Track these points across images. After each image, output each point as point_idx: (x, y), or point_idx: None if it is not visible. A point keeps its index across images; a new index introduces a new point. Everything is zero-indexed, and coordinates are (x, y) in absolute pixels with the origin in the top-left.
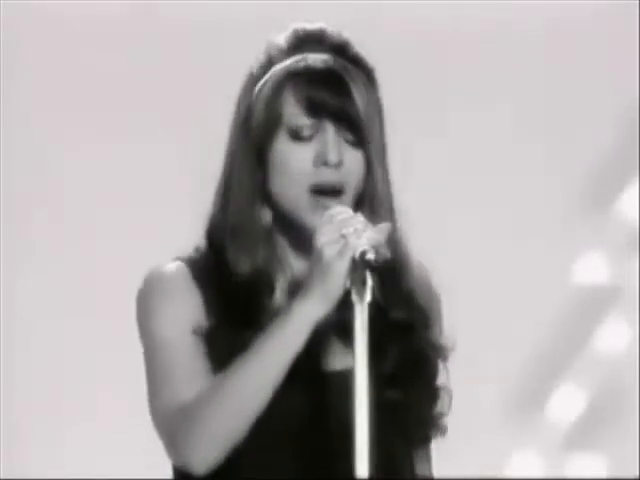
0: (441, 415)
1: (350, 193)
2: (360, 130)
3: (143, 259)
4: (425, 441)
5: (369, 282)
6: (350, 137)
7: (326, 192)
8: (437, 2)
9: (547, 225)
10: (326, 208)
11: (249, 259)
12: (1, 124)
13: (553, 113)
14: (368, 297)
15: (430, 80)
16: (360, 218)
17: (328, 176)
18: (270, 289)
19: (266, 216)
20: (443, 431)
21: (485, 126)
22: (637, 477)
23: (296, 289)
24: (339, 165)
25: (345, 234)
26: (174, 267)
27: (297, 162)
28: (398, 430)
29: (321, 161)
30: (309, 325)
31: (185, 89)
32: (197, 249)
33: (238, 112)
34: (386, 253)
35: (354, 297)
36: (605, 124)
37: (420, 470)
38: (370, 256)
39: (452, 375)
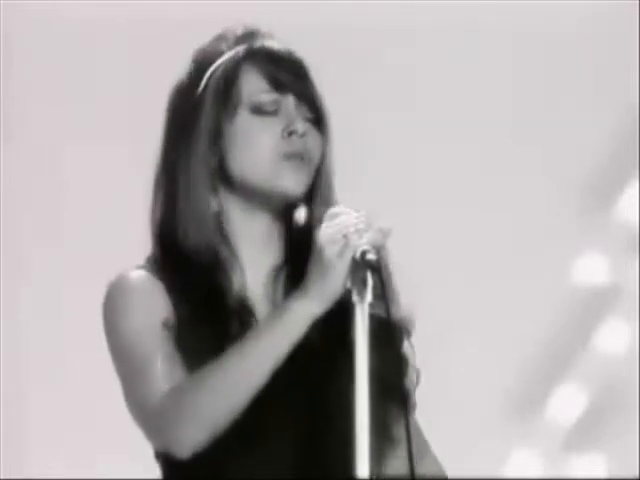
0: (409, 390)
1: (313, 164)
2: (317, 109)
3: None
4: (402, 405)
5: (370, 282)
6: (309, 115)
7: (293, 158)
8: (439, 2)
9: (547, 225)
10: (294, 167)
11: (199, 235)
12: (1, 124)
13: (553, 113)
14: (369, 297)
15: (429, 80)
16: (362, 218)
17: (297, 145)
18: (225, 275)
19: (215, 204)
20: (412, 407)
21: (484, 127)
22: (637, 477)
23: (258, 276)
24: (304, 136)
25: (346, 234)
26: (135, 272)
27: (264, 133)
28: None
29: (289, 131)
30: (306, 322)
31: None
32: (149, 258)
33: (181, 100)
34: (387, 254)
35: (355, 297)
36: (605, 124)
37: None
38: (371, 256)
39: (452, 375)
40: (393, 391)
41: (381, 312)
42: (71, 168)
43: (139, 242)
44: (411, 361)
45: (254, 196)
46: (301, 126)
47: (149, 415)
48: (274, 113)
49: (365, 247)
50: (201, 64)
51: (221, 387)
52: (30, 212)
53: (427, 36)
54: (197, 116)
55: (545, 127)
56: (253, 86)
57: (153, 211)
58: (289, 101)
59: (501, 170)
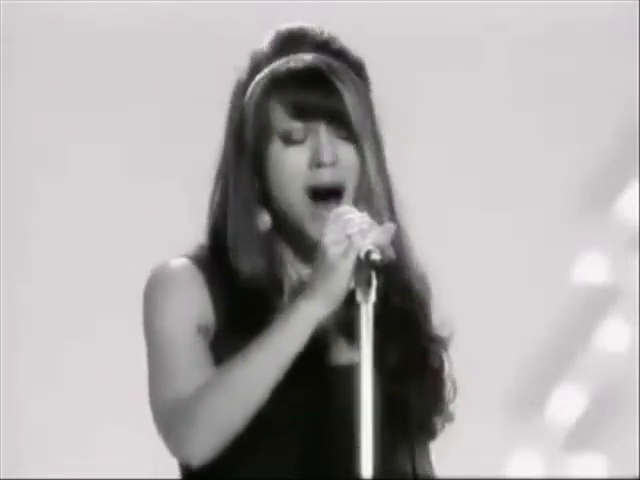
0: (447, 403)
1: (350, 190)
2: (350, 124)
3: (144, 260)
4: (429, 435)
5: (374, 282)
6: (342, 133)
7: (325, 195)
8: (442, 2)
9: (547, 225)
10: (325, 215)
11: (249, 266)
12: (1, 124)
13: (553, 114)
14: (373, 297)
15: (429, 82)
16: (366, 218)
17: (325, 177)
18: (278, 293)
19: (266, 221)
20: (450, 418)
21: (484, 127)
22: (637, 477)
23: (300, 288)
24: (335, 164)
25: (350, 234)
26: (181, 263)
27: (292, 165)
28: (401, 424)
29: (315, 162)
30: (312, 325)
31: (185, 90)
32: (202, 247)
33: (230, 120)
34: (391, 254)
35: (359, 297)
36: (605, 124)
37: (422, 467)
38: (375, 256)
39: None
40: (422, 416)
41: (421, 336)
42: (73, 168)
43: (140, 242)
44: (448, 378)
45: (291, 227)
46: (329, 155)
47: (163, 419)
48: (303, 141)
49: (370, 247)
50: (239, 84)
51: (228, 393)
52: (30, 211)
53: (426, 34)
54: (241, 138)
55: (545, 127)
56: (280, 115)
57: (211, 205)
58: (317, 127)
59: (502, 171)
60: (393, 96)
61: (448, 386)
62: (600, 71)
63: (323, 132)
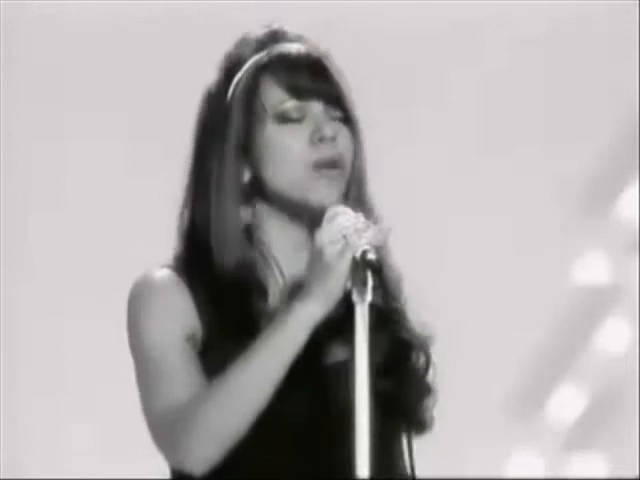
0: (427, 410)
1: (346, 169)
2: (345, 106)
3: (144, 256)
4: (417, 430)
5: (370, 282)
6: (337, 114)
7: (326, 166)
8: (442, 2)
9: (547, 226)
10: (328, 178)
11: (234, 256)
12: (1, 124)
13: (553, 114)
14: (369, 297)
15: (429, 79)
16: (361, 218)
17: (327, 151)
18: (262, 291)
19: (250, 215)
20: (430, 426)
21: (485, 127)
22: (637, 477)
23: (294, 289)
24: (334, 139)
25: (346, 234)
26: (163, 273)
27: (293, 141)
28: (389, 418)
29: (317, 137)
30: (309, 325)
31: (185, 88)
32: (177, 258)
33: (210, 111)
34: (387, 254)
35: (355, 297)
36: (604, 125)
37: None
38: (371, 256)
39: (452, 375)
40: (404, 411)
41: (401, 332)
42: (73, 166)
43: (140, 242)
44: (431, 382)
45: (289, 207)
46: (329, 130)
47: (161, 429)
48: (300, 120)
49: (366, 247)
50: (226, 73)
51: (228, 401)
52: (30, 212)
53: (426, 34)
54: (226, 129)
55: (545, 128)
56: (274, 97)
57: (182, 214)
58: (314, 106)
59: (502, 171)
60: (392, 96)
61: (430, 388)
62: (600, 71)
63: (320, 110)
